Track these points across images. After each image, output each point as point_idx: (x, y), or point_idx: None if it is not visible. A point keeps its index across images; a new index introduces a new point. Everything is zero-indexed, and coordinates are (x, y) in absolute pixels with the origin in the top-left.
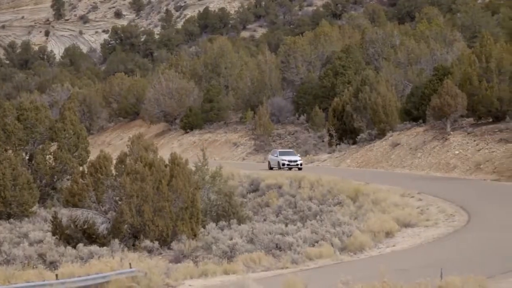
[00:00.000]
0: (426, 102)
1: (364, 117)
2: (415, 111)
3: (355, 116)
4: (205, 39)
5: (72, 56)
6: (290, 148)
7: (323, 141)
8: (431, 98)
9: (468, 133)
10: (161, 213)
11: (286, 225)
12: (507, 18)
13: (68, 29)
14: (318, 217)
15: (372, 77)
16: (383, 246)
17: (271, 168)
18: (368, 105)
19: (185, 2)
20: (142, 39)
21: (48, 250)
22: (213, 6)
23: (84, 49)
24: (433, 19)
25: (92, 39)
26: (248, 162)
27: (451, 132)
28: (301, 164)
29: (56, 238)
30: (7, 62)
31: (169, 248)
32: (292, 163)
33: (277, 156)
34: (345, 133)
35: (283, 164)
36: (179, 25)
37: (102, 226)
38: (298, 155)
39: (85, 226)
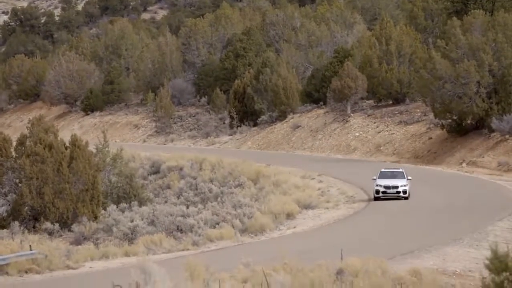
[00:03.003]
0: (327, 84)
1: (265, 99)
2: (316, 93)
3: (256, 98)
4: (105, 21)
5: None
6: (395, 169)
7: (224, 123)
8: (331, 80)
9: (368, 115)
10: (61, 195)
11: (187, 207)
12: (406, 0)
13: None
14: (219, 199)
15: (273, 59)
16: (284, 228)
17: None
18: (269, 87)
19: None
20: (42, 21)
21: None
22: None
23: None
24: (334, 1)
25: None
26: (148, 144)
27: (352, 114)
28: (404, 192)
29: None
30: None
31: (69, 230)
32: (391, 190)
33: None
34: (246, 115)
35: (377, 192)
36: (80, 7)
37: (1, 208)
38: (408, 177)
39: None
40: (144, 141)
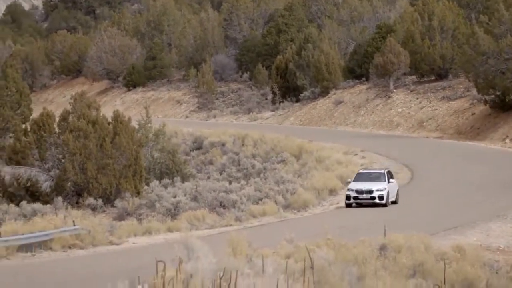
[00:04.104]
0: (369, 60)
1: (307, 75)
2: (358, 69)
3: (298, 74)
4: None
5: (14, 13)
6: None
7: (266, 99)
8: (374, 56)
9: (411, 91)
10: (104, 171)
11: (230, 183)
12: None
13: None
14: (261, 174)
15: (315, 35)
16: (326, 204)
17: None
18: (311, 63)
19: None
20: None
21: None
22: None
23: (26, 7)
24: None
25: None
26: (191, 120)
27: (394, 90)
28: (381, 198)
29: None
30: None
31: (112, 206)
32: (364, 196)
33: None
34: (288, 91)
35: (348, 198)
36: None
37: (45, 183)
38: (391, 180)
39: (28, 184)
40: (187, 116)
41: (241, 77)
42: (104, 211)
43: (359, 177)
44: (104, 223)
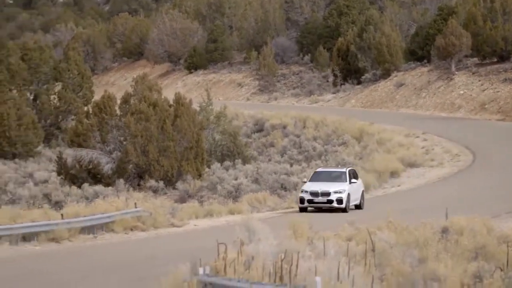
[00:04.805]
0: (431, 42)
1: (368, 57)
2: (420, 51)
3: (360, 56)
4: None
5: None
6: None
7: (327, 81)
8: (435, 38)
9: (473, 73)
10: (166, 153)
11: (291, 165)
12: None
13: None
14: (322, 157)
15: (377, 17)
16: (388, 186)
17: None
18: (373, 45)
19: None
20: None
21: (53, 190)
22: None
23: None
24: None
25: None
26: (252, 102)
27: (456, 72)
28: (339, 201)
29: (61, 178)
30: (11, 1)
31: (174, 188)
32: (319, 199)
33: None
34: (350, 73)
35: (302, 201)
36: None
37: (107, 166)
38: (353, 181)
39: (90, 166)
40: (248, 99)
41: (302, 59)
42: (165, 193)
43: (316, 177)
44: (165, 205)
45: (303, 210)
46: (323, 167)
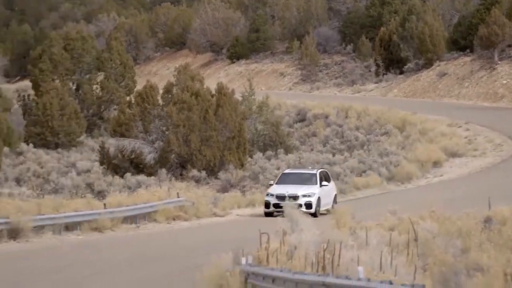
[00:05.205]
0: (474, 31)
1: (410, 46)
2: (462, 41)
3: (402, 46)
4: None
5: None
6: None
7: (369, 71)
8: (478, 27)
9: None
10: (208, 143)
11: (333, 155)
12: None
13: None
14: (365, 147)
15: (419, 7)
16: (430, 176)
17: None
18: (415, 34)
19: None
20: None
21: (96, 179)
22: None
23: None
24: None
25: None
26: (294, 92)
27: (499, 62)
28: (308, 206)
29: (104, 167)
30: None
31: (216, 178)
32: (286, 202)
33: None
34: (392, 62)
35: (267, 205)
36: None
37: (149, 155)
38: (324, 183)
39: (133, 156)
40: (290, 89)
41: (344, 49)
42: (207, 183)
43: (284, 179)
44: (207, 195)
45: (268, 215)
46: (291, 168)
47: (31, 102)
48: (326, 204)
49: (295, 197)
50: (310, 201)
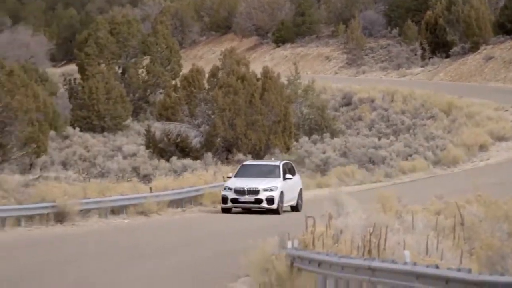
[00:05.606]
0: None
1: (457, 30)
2: (509, 24)
3: (448, 29)
4: None
5: None
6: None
7: (415, 54)
8: None
9: None
10: (253, 127)
11: (379, 139)
12: None
13: None
14: (411, 130)
15: None
16: (476, 160)
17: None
18: (461, 18)
19: None
20: None
21: (141, 163)
22: None
23: None
24: None
25: None
26: (340, 76)
27: None
28: (270, 201)
29: (150, 151)
30: None
31: None
32: (246, 198)
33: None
34: (438, 46)
35: (224, 200)
36: None
37: (195, 139)
38: (287, 176)
39: (178, 140)
40: (335, 73)
41: (390, 32)
42: None
43: (243, 171)
44: None
45: (226, 211)
46: (251, 160)
47: (77, 86)
48: (290, 200)
49: (255, 192)
50: (272, 196)
